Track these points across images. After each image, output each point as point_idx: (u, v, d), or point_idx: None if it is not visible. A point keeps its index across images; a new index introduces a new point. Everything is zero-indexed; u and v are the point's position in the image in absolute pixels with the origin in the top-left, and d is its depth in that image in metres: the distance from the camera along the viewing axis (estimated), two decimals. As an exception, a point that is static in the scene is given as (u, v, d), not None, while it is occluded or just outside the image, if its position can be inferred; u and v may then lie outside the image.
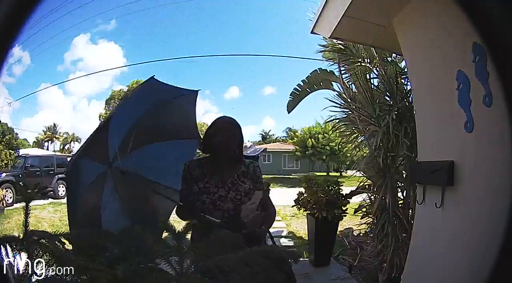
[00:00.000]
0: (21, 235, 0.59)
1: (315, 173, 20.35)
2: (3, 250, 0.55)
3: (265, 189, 1.85)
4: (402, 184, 3.04)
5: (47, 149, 33.45)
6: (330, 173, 22.31)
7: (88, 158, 1.77)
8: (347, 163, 19.95)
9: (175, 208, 1.53)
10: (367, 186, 3.25)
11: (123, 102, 2.05)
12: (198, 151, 1.93)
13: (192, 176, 1.48)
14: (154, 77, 1.71)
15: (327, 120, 3.92)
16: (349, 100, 3.42)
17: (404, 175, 3.02)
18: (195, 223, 0.69)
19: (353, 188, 3.68)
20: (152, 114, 1.92)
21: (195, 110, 2.07)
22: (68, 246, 0.62)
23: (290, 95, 4.82)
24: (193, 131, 2.11)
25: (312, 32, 2.75)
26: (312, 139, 22.40)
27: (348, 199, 3.94)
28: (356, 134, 3.55)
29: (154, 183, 1.84)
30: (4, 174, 10.05)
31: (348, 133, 3.71)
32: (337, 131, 3.88)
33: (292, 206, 4.39)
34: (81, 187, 1.78)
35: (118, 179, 1.76)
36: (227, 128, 1.50)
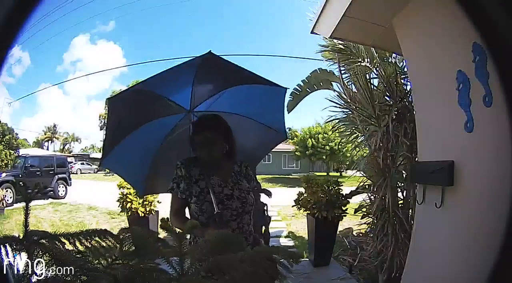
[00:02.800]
0: (21, 235, 0.59)
1: (315, 173, 20.36)
2: (3, 250, 0.55)
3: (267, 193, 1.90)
4: (402, 184, 3.04)
5: (47, 149, 33.53)
6: (330, 173, 22.32)
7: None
8: (347, 163, 19.99)
9: (172, 211, 1.48)
10: (367, 186, 3.25)
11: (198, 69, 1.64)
12: None
13: (191, 176, 1.45)
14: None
15: (327, 120, 3.92)
16: (349, 100, 3.42)
17: (404, 175, 3.02)
18: (196, 224, 0.69)
19: (353, 188, 3.69)
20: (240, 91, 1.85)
21: (283, 108, 1.98)
22: (68, 246, 0.62)
23: (290, 95, 4.81)
24: (281, 127, 2.01)
25: (312, 32, 2.75)
26: (312, 139, 22.40)
27: (348, 199, 3.95)
28: (356, 134, 3.55)
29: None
30: (4, 174, 10.04)
31: (348, 133, 3.72)
32: (337, 131, 3.88)
33: (292, 206, 4.40)
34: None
35: None
36: (208, 139, 1.46)
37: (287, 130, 2.11)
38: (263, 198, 3.46)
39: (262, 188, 3.46)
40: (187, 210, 1.50)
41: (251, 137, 1.98)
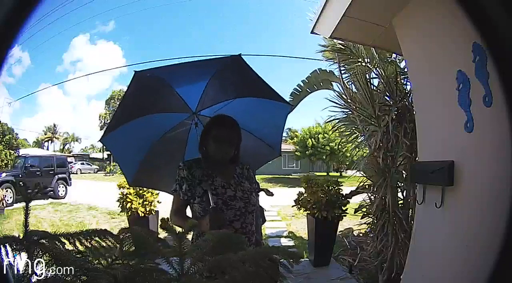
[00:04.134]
0: (21, 235, 0.59)
1: (315, 173, 20.37)
2: (3, 250, 0.55)
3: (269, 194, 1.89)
4: (402, 184, 3.04)
5: (47, 149, 33.54)
6: (330, 173, 22.32)
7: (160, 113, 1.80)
8: (347, 163, 19.99)
9: (172, 210, 1.48)
10: (367, 186, 3.25)
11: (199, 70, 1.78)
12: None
13: (194, 177, 1.45)
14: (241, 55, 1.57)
15: (327, 120, 3.92)
16: (349, 100, 3.42)
17: (404, 175, 3.02)
18: (195, 224, 0.69)
19: (353, 188, 3.69)
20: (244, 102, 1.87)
21: (284, 125, 2.03)
22: (68, 246, 0.62)
23: (290, 95, 4.82)
24: (277, 145, 2.06)
25: (312, 32, 2.75)
26: (312, 139, 22.40)
27: (348, 199, 3.95)
28: (356, 134, 3.56)
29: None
30: (4, 174, 10.04)
31: (348, 133, 3.72)
32: (337, 131, 3.88)
33: (292, 206, 4.40)
34: (157, 134, 1.84)
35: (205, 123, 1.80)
36: (229, 138, 1.48)
37: (282, 145, 2.13)
38: (261, 202, 3.45)
39: (261, 188, 3.46)
40: (188, 209, 1.50)
41: (247, 151, 2.01)
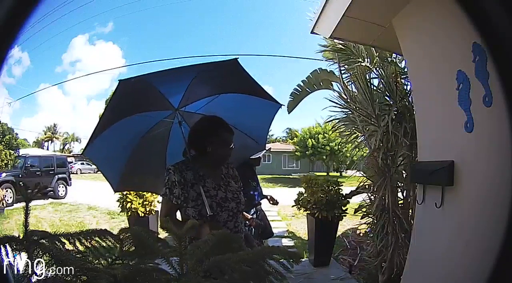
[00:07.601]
0: (21, 235, 0.59)
1: (315, 173, 20.37)
2: (3, 250, 0.55)
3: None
4: (402, 184, 3.04)
5: (47, 149, 33.52)
6: (330, 173, 22.32)
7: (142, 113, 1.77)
8: (347, 163, 19.98)
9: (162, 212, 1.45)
10: (367, 186, 3.25)
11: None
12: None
13: (186, 181, 1.42)
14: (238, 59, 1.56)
15: (327, 120, 3.92)
16: (349, 100, 3.42)
17: (404, 175, 3.02)
18: (195, 224, 0.69)
19: (353, 188, 3.69)
20: (230, 98, 1.86)
21: (271, 121, 2.04)
22: (68, 246, 0.62)
23: (290, 95, 4.81)
24: (263, 139, 2.08)
25: (312, 32, 2.75)
26: (312, 139, 22.40)
27: (348, 199, 3.95)
28: (356, 134, 3.55)
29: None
30: (4, 174, 10.02)
31: (348, 133, 3.71)
32: (337, 131, 3.88)
33: (292, 206, 4.40)
34: (138, 133, 1.81)
35: (190, 120, 1.78)
36: (230, 140, 1.49)
37: (267, 139, 2.16)
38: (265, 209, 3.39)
39: (264, 194, 3.41)
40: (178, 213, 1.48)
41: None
